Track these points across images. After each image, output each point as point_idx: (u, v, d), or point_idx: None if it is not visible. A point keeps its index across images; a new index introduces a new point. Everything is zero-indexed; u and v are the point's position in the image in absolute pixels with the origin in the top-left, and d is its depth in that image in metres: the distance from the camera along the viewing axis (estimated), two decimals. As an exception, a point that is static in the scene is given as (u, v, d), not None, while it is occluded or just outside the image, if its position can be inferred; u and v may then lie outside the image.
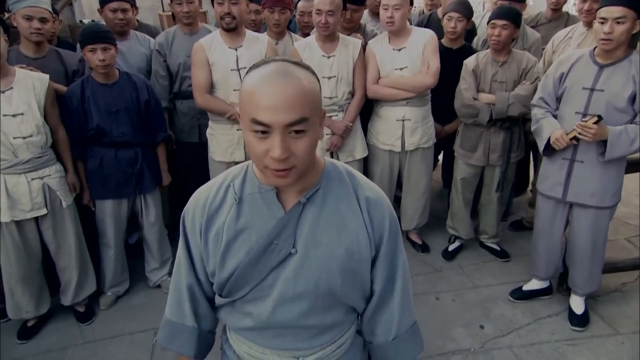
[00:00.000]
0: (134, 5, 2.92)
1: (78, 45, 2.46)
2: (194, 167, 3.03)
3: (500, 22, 2.53)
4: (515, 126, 2.75)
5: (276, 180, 0.89)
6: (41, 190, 2.26)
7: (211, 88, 2.60)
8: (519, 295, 2.68)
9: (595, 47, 2.18)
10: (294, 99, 0.83)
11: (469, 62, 2.72)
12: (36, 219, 2.32)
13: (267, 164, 0.86)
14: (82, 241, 2.50)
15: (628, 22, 2.00)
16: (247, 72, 0.90)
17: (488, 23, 2.60)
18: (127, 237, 3.10)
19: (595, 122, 2.08)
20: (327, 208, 0.99)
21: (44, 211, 2.29)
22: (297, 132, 0.85)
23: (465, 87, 2.71)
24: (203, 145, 2.85)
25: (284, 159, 0.85)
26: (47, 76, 2.27)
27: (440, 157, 3.78)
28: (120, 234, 2.65)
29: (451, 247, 3.13)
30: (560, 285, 2.68)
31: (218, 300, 1.08)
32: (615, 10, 2.00)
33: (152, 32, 3.15)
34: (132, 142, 2.48)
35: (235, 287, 1.01)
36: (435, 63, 2.70)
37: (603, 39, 2.06)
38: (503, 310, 2.59)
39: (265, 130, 0.84)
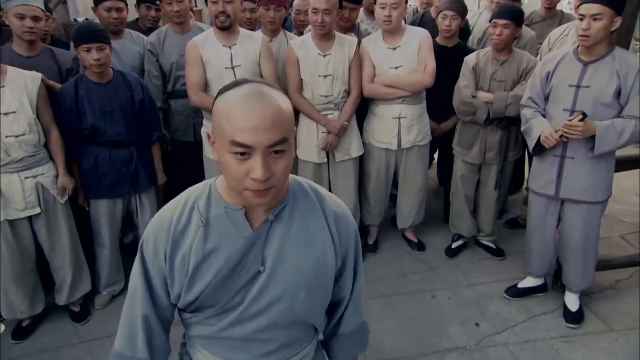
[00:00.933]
0: (158, 6, 2.92)
1: (72, 44, 2.45)
2: (189, 166, 3.01)
3: (501, 22, 2.53)
4: (513, 125, 2.75)
5: (256, 200, 0.89)
6: (34, 189, 2.25)
7: (205, 86, 2.60)
8: (514, 292, 2.69)
9: (579, 45, 2.21)
10: (274, 120, 0.83)
11: (470, 60, 2.73)
12: (29, 218, 2.30)
13: (247, 186, 0.87)
14: (76, 240, 2.49)
15: (605, 19, 2.04)
16: (218, 95, 0.90)
17: (490, 21, 2.61)
18: (122, 237, 3.08)
19: (581, 120, 2.11)
20: (294, 224, 1.00)
21: (37, 210, 2.28)
22: (276, 152, 0.86)
23: (464, 85, 2.72)
24: (198, 144, 2.84)
25: (265, 180, 0.85)
26: (39, 75, 2.25)
27: (436, 155, 3.79)
28: (115, 234, 2.64)
29: (454, 245, 3.14)
30: (555, 282, 2.69)
31: (184, 315, 1.07)
32: (592, 7, 2.05)
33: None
34: (126, 141, 2.46)
35: (202, 306, 1.01)
36: (431, 62, 2.71)
37: (581, 35, 2.11)
38: (498, 308, 2.60)
39: (245, 151, 0.84)
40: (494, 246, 3.10)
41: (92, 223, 2.56)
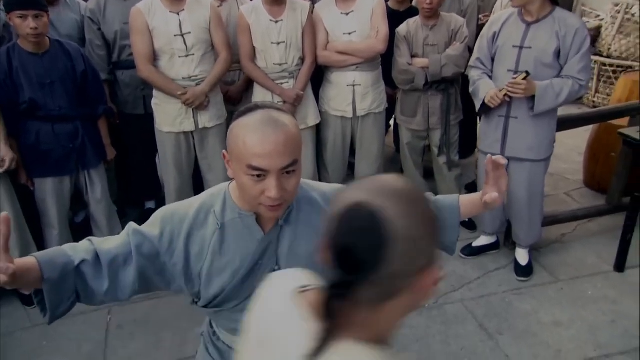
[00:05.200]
0: None
1: (1, 9, 2.26)
2: (141, 140, 2.90)
3: None
4: (452, 88, 2.83)
5: (270, 214, 0.99)
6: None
7: (154, 55, 2.49)
8: (469, 251, 2.80)
9: None
10: (286, 145, 0.92)
11: (401, 30, 2.78)
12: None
13: (262, 202, 0.96)
14: (21, 221, 2.36)
15: None
16: (234, 120, 0.97)
17: None
18: (74, 216, 2.97)
19: (524, 78, 2.19)
20: (301, 224, 1.09)
21: (-25, 191, 2.14)
22: (288, 172, 0.95)
23: (399, 55, 2.77)
24: (149, 116, 2.73)
25: (279, 197, 0.94)
26: None
27: (392, 122, 3.82)
28: (64, 213, 2.52)
29: None
30: (507, 239, 2.83)
31: (207, 310, 1.12)
32: None
33: None
34: (70, 115, 2.34)
35: (223, 302, 1.08)
36: (384, 28, 2.69)
37: None
38: (455, 267, 2.71)
39: (261, 174, 0.93)
40: (465, 219, 3.10)
41: (38, 203, 2.44)
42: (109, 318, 2.38)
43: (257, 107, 0.97)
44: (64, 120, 2.34)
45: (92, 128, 2.49)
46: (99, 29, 2.71)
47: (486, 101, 2.33)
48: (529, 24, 2.25)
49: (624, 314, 2.33)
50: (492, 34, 2.35)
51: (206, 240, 1.05)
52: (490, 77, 2.40)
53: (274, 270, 1.06)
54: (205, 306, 1.10)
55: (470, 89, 2.47)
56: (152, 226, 1.04)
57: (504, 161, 1.07)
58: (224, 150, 1.02)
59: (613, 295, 2.46)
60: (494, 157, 1.08)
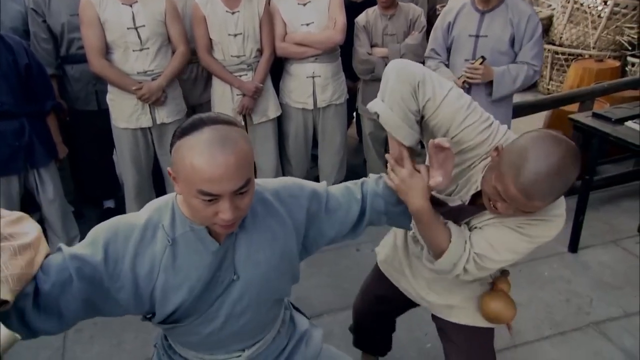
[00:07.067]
0: None
1: None
2: (95, 137, 2.81)
3: None
4: None
5: (223, 231, 0.96)
6: None
7: (107, 49, 2.40)
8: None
9: None
10: (237, 166, 0.86)
11: (360, 20, 2.81)
12: None
13: (216, 222, 0.92)
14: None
15: None
16: (177, 137, 0.89)
17: None
18: (26, 219, 2.84)
19: (481, 63, 2.25)
20: (256, 228, 1.05)
21: None
22: (241, 192, 0.90)
23: (359, 44, 2.80)
24: (102, 112, 2.65)
25: (234, 217, 0.90)
26: None
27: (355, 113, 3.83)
28: (14, 215, 2.41)
29: None
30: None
31: (164, 326, 1.08)
32: None
33: None
34: (14, 112, 2.22)
35: (181, 318, 1.03)
36: (342, 19, 2.70)
37: None
38: (418, 254, 2.75)
39: (212, 198, 0.87)
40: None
41: (-15, 206, 2.32)
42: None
43: (202, 123, 0.87)
44: (8, 117, 2.22)
45: (40, 125, 2.37)
46: (44, 21, 2.59)
47: None
48: (482, 13, 2.30)
49: (577, 293, 2.44)
50: (446, 24, 2.39)
51: (156, 258, 0.97)
52: (447, 66, 2.43)
53: (233, 281, 1.03)
54: (162, 322, 1.04)
55: None
56: (92, 248, 0.94)
57: (447, 144, 1.04)
58: (168, 168, 0.94)
59: (567, 275, 2.56)
60: (436, 140, 1.05)
